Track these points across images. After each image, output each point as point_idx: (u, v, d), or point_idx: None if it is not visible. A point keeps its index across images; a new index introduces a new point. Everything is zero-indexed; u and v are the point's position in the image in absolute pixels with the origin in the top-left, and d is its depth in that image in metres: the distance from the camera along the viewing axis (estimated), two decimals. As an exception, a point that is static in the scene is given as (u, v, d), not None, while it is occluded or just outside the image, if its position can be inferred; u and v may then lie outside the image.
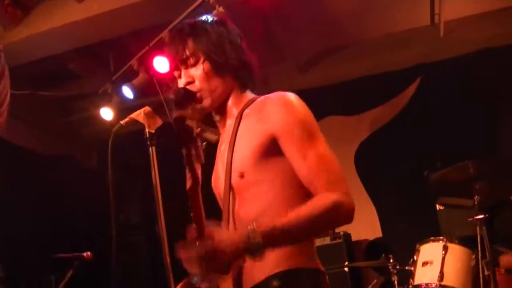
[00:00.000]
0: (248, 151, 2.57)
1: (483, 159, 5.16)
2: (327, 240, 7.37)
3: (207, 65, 2.71)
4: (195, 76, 2.73)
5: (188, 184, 2.21)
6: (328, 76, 9.21)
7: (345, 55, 9.08)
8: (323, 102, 8.73)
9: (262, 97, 2.74)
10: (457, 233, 6.32)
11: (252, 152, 2.56)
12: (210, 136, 2.29)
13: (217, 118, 2.86)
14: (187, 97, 2.67)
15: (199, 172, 2.21)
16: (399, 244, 6.89)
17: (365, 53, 8.92)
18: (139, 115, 2.73)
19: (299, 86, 9.08)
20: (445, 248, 5.28)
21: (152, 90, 7.74)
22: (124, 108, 7.90)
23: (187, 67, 2.75)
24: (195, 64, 2.73)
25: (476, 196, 5.07)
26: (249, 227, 2.26)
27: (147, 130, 2.70)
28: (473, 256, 5.33)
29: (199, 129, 2.20)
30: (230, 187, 2.62)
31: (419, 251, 5.51)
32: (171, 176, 2.93)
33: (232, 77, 2.79)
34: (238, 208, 2.61)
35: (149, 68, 7.31)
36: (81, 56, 8.15)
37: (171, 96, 2.68)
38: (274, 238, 2.28)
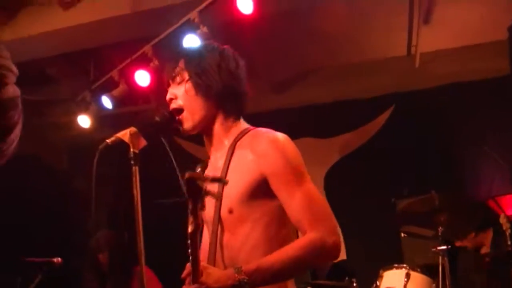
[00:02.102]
0: (240, 188, 2.66)
1: (448, 192, 5.26)
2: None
3: (189, 85, 2.82)
4: (178, 94, 2.85)
5: (190, 229, 2.30)
6: (301, 98, 9.28)
7: (320, 78, 9.15)
8: (295, 124, 8.83)
9: (255, 132, 2.85)
10: (419, 261, 6.43)
11: (243, 190, 2.66)
12: (213, 194, 2.39)
13: (207, 142, 2.99)
14: (172, 120, 2.79)
15: (200, 219, 2.32)
16: (363, 268, 6.96)
17: (340, 78, 9.00)
18: (125, 135, 2.79)
19: (272, 106, 9.17)
20: (408, 276, 5.37)
21: (131, 101, 7.82)
22: (100, 116, 7.97)
23: (174, 84, 2.88)
24: (180, 83, 2.85)
25: (440, 227, 5.16)
26: (235, 267, 2.43)
27: (131, 150, 2.76)
28: (434, 285, 5.44)
29: (206, 186, 2.32)
30: (219, 219, 2.72)
31: (382, 277, 5.59)
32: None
33: (216, 102, 2.87)
34: (225, 240, 2.71)
35: (129, 80, 7.38)
36: (61, 62, 8.17)
37: (156, 118, 2.79)
38: (259, 277, 2.43)
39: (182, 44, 6.38)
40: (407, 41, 8.19)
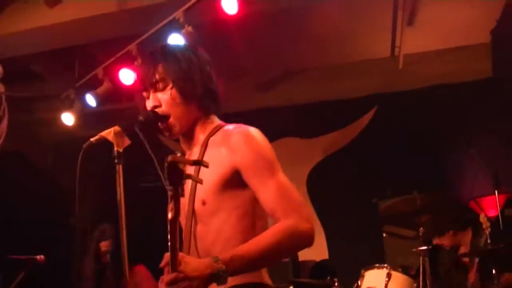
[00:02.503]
0: (212, 181, 2.69)
1: (430, 193, 5.29)
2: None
3: (174, 91, 2.82)
4: (162, 100, 2.84)
5: (170, 215, 2.32)
6: (286, 97, 9.31)
7: (304, 78, 9.19)
8: (279, 123, 8.89)
9: (228, 128, 2.87)
10: (400, 261, 6.49)
11: (215, 182, 2.69)
12: (195, 178, 2.40)
13: (183, 141, 3.00)
14: (156, 120, 2.81)
15: (180, 205, 2.33)
16: (345, 268, 7.00)
17: (324, 79, 9.04)
18: (109, 133, 2.79)
19: (257, 105, 9.20)
20: (389, 276, 5.41)
21: (114, 99, 7.83)
22: (84, 114, 7.97)
23: (155, 91, 2.87)
24: (163, 89, 2.85)
25: (421, 228, 5.19)
26: (212, 256, 2.43)
27: (115, 149, 2.78)
28: (415, 285, 5.48)
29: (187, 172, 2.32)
30: (192, 212, 2.76)
31: (363, 276, 5.63)
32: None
33: (198, 105, 2.90)
34: (199, 232, 2.76)
35: (114, 79, 7.39)
36: (46, 59, 8.16)
37: (140, 117, 2.81)
38: (236, 264, 2.44)
39: (160, 46, 6.40)
40: (391, 42, 8.25)
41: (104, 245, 6.60)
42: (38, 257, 5.33)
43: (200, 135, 2.92)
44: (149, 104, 2.88)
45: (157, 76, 2.84)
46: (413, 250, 5.38)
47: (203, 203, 2.72)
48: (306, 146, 9.24)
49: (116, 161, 2.78)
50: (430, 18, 7.70)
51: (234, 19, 6.48)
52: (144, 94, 2.94)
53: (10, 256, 5.31)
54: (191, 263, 2.43)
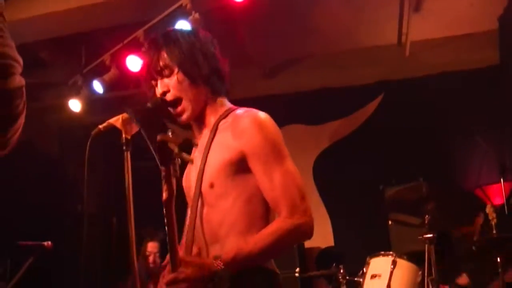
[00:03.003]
0: (220, 164, 2.71)
1: (436, 181, 5.30)
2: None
3: (180, 75, 2.83)
4: (170, 85, 2.86)
5: (164, 196, 2.35)
6: (292, 84, 9.30)
7: (311, 65, 9.18)
8: (286, 110, 8.87)
9: (238, 111, 2.88)
10: (406, 248, 6.49)
11: (223, 166, 2.71)
12: (186, 157, 2.42)
13: (194, 125, 3.02)
14: (164, 106, 2.82)
15: (174, 185, 2.35)
16: (350, 255, 7.02)
17: (331, 65, 9.03)
18: (117, 121, 2.81)
19: (264, 91, 9.19)
20: (394, 263, 5.43)
21: (121, 86, 7.83)
22: (91, 101, 7.98)
23: (162, 77, 2.88)
24: (169, 75, 2.86)
25: (427, 216, 5.20)
26: (215, 256, 2.53)
27: (123, 136, 2.79)
28: (420, 272, 5.49)
29: (177, 150, 2.34)
30: (200, 193, 2.78)
31: (369, 263, 5.65)
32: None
33: (205, 86, 2.91)
34: (205, 214, 2.78)
35: (121, 65, 7.40)
36: (53, 45, 8.17)
37: (148, 104, 2.82)
38: (237, 265, 2.51)
39: (161, 32, 6.41)
40: (398, 30, 8.23)
41: (151, 246, 6.66)
42: (45, 243, 5.35)
43: (211, 118, 2.93)
44: (158, 91, 2.89)
45: (161, 63, 2.86)
46: (419, 237, 5.38)
47: (211, 185, 2.73)
48: (312, 133, 9.24)
49: (124, 148, 2.79)
50: (437, 5, 7.69)
51: (241, 6, 6.48)
52: (153, 82, 2.95)
53: (18, 243, 5.34)
54: (192, 263, 2.50)
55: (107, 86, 7.67)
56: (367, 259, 5.71)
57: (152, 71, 2.91)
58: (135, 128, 2.83)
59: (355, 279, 5.78)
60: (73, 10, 6.85)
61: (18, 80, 1.43)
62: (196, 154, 2.91)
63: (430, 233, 5.15)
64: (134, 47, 7.22)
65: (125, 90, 8.30)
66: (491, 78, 8.22)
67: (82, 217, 8.20)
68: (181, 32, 3.00)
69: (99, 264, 9.14)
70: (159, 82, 2.90)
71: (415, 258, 5.62)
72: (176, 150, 2.34)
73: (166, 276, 2.53)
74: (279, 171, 2.65)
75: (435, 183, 5.44)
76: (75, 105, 8.07)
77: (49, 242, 5.36)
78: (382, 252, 5.61)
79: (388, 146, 8.37)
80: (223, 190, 2.71)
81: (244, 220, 2.70)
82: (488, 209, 5.75)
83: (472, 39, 8.31)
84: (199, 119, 2.97)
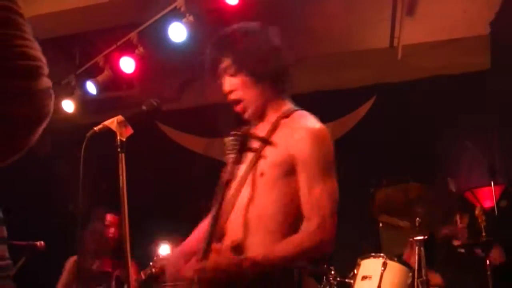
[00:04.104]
0: (274, 159, 2.86)
1: (426, 183, 5.32)
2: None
3: (245, 75, 2.96)
4: (236, 85, 3.00)
5: (225, 177, 2.71)
6: (284, 87, 9.31)
7: (303, 68, 9.14)
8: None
9: (299, 114, 3.06)
10: (396, 250, 6.53)
11: (277, 161, 2.85)
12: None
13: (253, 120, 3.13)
14: (159, 109, 2.88)
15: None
16: (341, 256, 7.03)
17: (322, 68, 9.05)
18: (112, 123, 2.85)
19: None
20: (384, 265, 5.46)
21: (115, 87, 7.85)
22: (85, 101, 8.01)
23: (227, 74, 3.01)
24: (235, 74, 2.98)
25: (417, 218, 5.23)
26: (243, 256, 2.71)
27: (118, 138, 2.83)
28: (410, 274, 5.52)
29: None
30: (249, 178, 2.92)
31: (359, 265, 5.68)
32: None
33: (270, 85, 3.02)
34: (250, 199, 2.90)
35: (114, 66, 7.43)
36: (47, 46, 8.16)
37: (143, 107, 2.87)
38: (260, 268, 2.67)
39: (167, 35, 6.46)
40: (390, 33, 8.27)
41: (111, 217, 6.65)
42: (38, 243, 5.37)
43: (272, 114, 3.06)
44: (224, 89, 3.04)
45: (228, 62, 2.97)
46: (410, 239, 5.42)
47: (262, 174, 2.87)
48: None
49: (119, 150, 2.83)
50: (430, 9, 7.73)
51: (234, 8, 6.52)
52: (219, 80, 3.07)
53: (10, 242, 5.34)
54: (222, 256, 2.66)
55: (101, 87, 7.70)
56: (358, 260, 5.73)
57: (218, 69, 3.02)
58: (129, 131, 2.87)
59: (346, 280, 5.81)
60: (67, 12, 6.88)
61: (46, 81, 1.49)
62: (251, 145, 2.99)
63: (420, 235, 5.19)
64: (128, 49, 7.26)
65: (118, 91, 8.34)
66: (482, 83, 8.28)
67: (73, 217, 8.23)
68: (248, 29, 3.08)
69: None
70: (225, 80, 3.03)
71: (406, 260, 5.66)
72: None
73: (197, 263, 2.70)
74: (320, 186, 2.79)
75: (425, 185, 5.46)
76: (68, 105, 8.11)
77: (42, 242, 5.38)
78: (373, 254, 5.64)
79: (379, 149, 8.40)
80: (271, 183, 2.85)
81: (278, 220, 2.84)
82: (477, 211, 5.79)
83: (463, 44, 8.36)
84: (260, 115, 3.08)
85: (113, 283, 6.25)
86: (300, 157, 2.81)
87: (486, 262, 5.62)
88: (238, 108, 3.04)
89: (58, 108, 8.17)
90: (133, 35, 7.07)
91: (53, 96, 1.56)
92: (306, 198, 2.79)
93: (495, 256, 6.21)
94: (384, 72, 8.89)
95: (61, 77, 8.18)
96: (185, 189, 9.15)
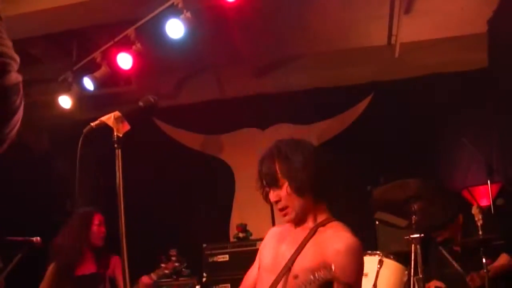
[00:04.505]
0: (309, 265, 3.12)
1: (423, 181, 5.31)
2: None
3: (289, 189, 3.27)
4: (280, 196, 3.31)
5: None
6: (282, 84, 9.33)
7: (300, 65, 9.21)
8: (275, 109, 8.96)
9: (337, 226, 3.32)
10: (392, 248, 6.54)
11: (311, 268, 3.01)
12: None
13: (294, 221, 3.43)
14: (156, 105, 2.89)
15: None
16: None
17: (320, 65, 9.06)
18: (109, 119, 2.86)
19: (253, 90, 9.24)
20: (381, 262, 5.48)
21: (112, 83, 7.84)
22: (82, 97, 7.99)
23: (274, 188, 3.34)
24: (280, 186, 3.31)
25: (413, 216, 5.23)
26: None
27: (115, 134, 2.83)
28: (406, 272, 5.53)
29: None
30: (284, 279, 3.23)
31: (356, 263, 5.68)
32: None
33: (311, 195, 3.32)
34: None
35: (111, 63, 7.43)
36: (44, 42, 8.17)
37: (140, 103, 2.88)
38: None
39: (165, 31, 6.48)
40: (388, 31, 8.27)
41: (99, 217, 6.62)
42: (34, 239, 5.36)
43: (310, 219, 3.38)
44: (271, 199, 3.37)
45: (274, 175, 3.31)
46: (406, 237, 5.42)
47: (295, 277, 3.16)
48: (301, 133, 9.24)
49: (115, 145, 2.83)
50: (427, 7, 7.72)
51: (232, 5, 6.52)
52: (266, 189, 3.41)
53: (6, 238, 5.34)
54: None
55: (98, 83, 7.69)
56: (354, 258, 5.74)
57: (267, 181, 3.36)
58: (126, 126, 2.87)
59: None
60: (64, 8, 6.86)
61: (15, 77, 1.50)
62: (288, 242, 3.38)
63: (416, 233, 5.19)
64: (125, 45, 7.26)
65: (116, 87, 8.33)
66: (480, 81, 8.29)
67: (71, 213, 8.22)
68: (293, 145, 3.38)
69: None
70: (271, 191, 3.36)
71: (402, 257, 5.66)
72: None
73: None
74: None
75: (422, 183, 5.46)
76: (65, 101, 8.11)
77: (38, 238, 5.37)
78: (369, 252, 5.65)
79: (376, 147, 8.43)
80: (301, 285, 3.02)
81: None
82: (474, 210, 5.78)
83: (461, 42, 8.35)
84: (299, 221, 3.39)
85: (107, 284, 6.22)
86: (336, 270, 2.95)
87: (483, 261, 5.62)
88: (284, 213, 3.35)
89: (55, 105, 8.17)
90: (130, 31, 7.06)
91: (21, 92, 1.57)
92: None
93: (502, 262, 6.23)
94: (381, 70, 8.91)
95: (58, 73, 8.18)
96: (182, 185, 9.17)
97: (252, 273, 3.73)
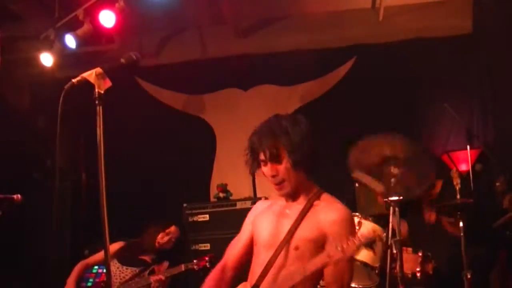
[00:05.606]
0: (308, 236, 3.39)
1: (404, 145, 5.33)
2: (248, 204, 7.48)
3: (288, 164, 3.39)
4: (279, 170, 3.43)
5: None
6: (265, 45, 9.28)
7: (284, 26, 9.18)
8: (258, 70, 8.94)
9: (329, 199, 3.56)
10: (371, 210, 6.58)
11: (310, 238, 3.38)
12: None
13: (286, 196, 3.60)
14: (138, 63, 2.88)
15: None
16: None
17: (304, 27, 9.02)
18: (90, 75, 2.85)
19: (236, 51, 9.20)
20: (359, 224, 5.53)
21: (94, 41, 7.78)
22: (64, 55, 7.93)
23: (272, 162, 3.43)
24: (279, 161, 3.42)
25: (392, 179, 5.26)
26: None
27: (96, 90, 2.82)
28: (384, 234, 5.57)
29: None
30: (286, 250, 3.42)
31: (334, 224, 5.70)
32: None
33: (305, 170, 3.49)
34: (279, 268, 3.41)
35: (94, 20, 7.37)
36: (26, -1, 8.11)
37: (122, 60, 2.87)
38: None
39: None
40: (372, -6, 8.25)
41: (175, 229, 6.64)
42: (14, 196, 5.34)
43: (302, 194, 3.56)
44: (267, 173, 3.47)
45: (274, 151, 3.40)
46: (384, 200, 5.45)
47: (296, 248, 3.39)
48: (284, 94, 9.26)
49: (97, 102, 2.82)
50: (413, -30, 7.71)
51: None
52: (262, 162, 3.49)
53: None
54: None
55: (80, 41, 7.64)
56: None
57: (266, 156, 3.42)
58: (108, 83, 2.86)
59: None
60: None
61: None
62: (282, 217, 3.55)
63: (395, 196, 5.22)
64: (108, 2, 7.19)
65: (98, 46, 8.27)
66: (463, 47, 8.31)
67: (51, 171, 8.21)
68: (292, 122, 3.48)
69: (67, 221, 9.11)
70: (269, 165, 3.44)
71: (381, 220, 5.70)
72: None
73: None
74: (345, 261, 3.25)
75: (402, 141, 5.48)
76: (47, 59, 8.04)
77: (18, 195, 5.35)
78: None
79: (358, 109, 8.44)
80: (302, 257, 3.36)
81: (304, 285, 3.32)
82: (453, 173, 5.83)
83: (446, 7, 8.36)
84: (293, 195, 3.55)
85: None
86: (331, 236, 3.28)
87: (460, 225, 5.67)
88: (279, 187, 3.47)
89: (36, 62, 8.10)
90: (113, -12, 7.02)
91: None
92: (331, 269, 3.29)
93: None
94: (365, 33, 8.88)
95: (40, 30, 8.09)
96: (163, 144, 9.16)
97: (237, 245, 3.86)
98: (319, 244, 3.34)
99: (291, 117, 3.56)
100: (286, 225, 3.47)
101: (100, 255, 6.33)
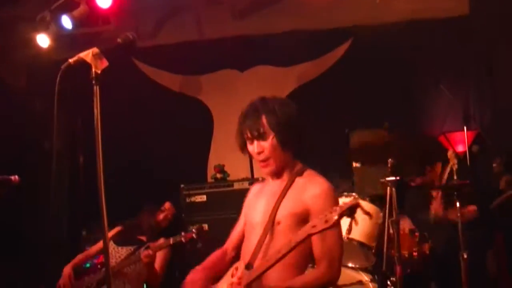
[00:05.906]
0: (290, 211, 3.44)
1: (402, 127, 5.35)
2: (245, 185, 7.51)
3: (274, 141, 3.48)
4: (264, 147, 3.51)
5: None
6: (261, 26, 9.25)
7: (280, 7, 9.16)
8: (254, 51, 8.93)
9: (312, 175, 3.62)
10: (369, 191, 6.60)
11: (293, 213, 3.43)
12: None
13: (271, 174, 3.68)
14: (135, 43, 2.88)
15: None
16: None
17: (300, 8, 8.97)
18: (87, 55, 2.85)
19: (232, 32, 9.18)
20: (356, 204, 5.53)
21: (90, 22, 7.75)
22: (60, 36, 7.90)
23: (258, 139, 3.51)
24: (265, 139, 3.49)
25: (390, 159, 5.27)
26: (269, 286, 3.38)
27: (93, 70, 2.82)
28: (381, 214, 5.59)
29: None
30: (267, 226, 3.48)
31: (332, 203, 5.71)
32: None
33: (292, 150, 3.59)
34: (268, 242, 3.48)
35: (90, 1, 7.34)
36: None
37: (119, 40, 2.87)
38: None
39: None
40: (370, -25, 8.22)
41: (169, 205, 6.65)
42: (12, 177, 5.34)
43: (286, 171, 3.63)
44: (253, 150, 3.55)
45: (260, 128, 3.48)
46: (382, 180, 5.46)
47: (278, 223, 3.45)
48: (280, 75, 9.27)
49: (93, 82, 2.82)
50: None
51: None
52: (248, 141, 3.58)
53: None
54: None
55: (76, 22, 7.62)
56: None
57: (252, 134, 3.50)
58: (105, 63, 2.86)
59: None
60: None
61: None
62: (268, 196, 3.63)
63: (392, 176, 5.23)
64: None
65: (94, 27, 8.24)
66: (460, 28, 8.30)
67: (48, 153, 8.20)
68: (279, 102, 3.57)
69: (65, 202, 9.13)
70: (255, 142, 3.53)
71: (378, 200, 5.72)
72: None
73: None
74: (331, 234, 3.32)
75: (400, 128, 5.51)
76: (43, 40, 8.03)
77: (16, 177, 5.35)
78: (345, 193, 5.67)
79: (354, 91, 8.45)
80: (285, 231, 3.41)
81: (294, 256, 3.34)
82: (450, 154, 5.84)
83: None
84: (277, 173, 3.62)
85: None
86: (315, 211, 3.35)
87: (456, 205, 5.68)
88: (265, 164, 3.55)
89: (32, 44, 8.08)
90: (109, -31, 6.99)
91: None
92: (319, 244, 3.35)
93: (470, 212, 6.33)
94: (362, 15, 8.84)
95: (36, 11, 8.06)
96: (160, 125, 9.16)
97: (236, 229, 3.97)
98: (301, 217, 3.41)
99: (279, 98, 3.66)
100: (271, 203, 3.53)
101: (100, 245, 6.34)
